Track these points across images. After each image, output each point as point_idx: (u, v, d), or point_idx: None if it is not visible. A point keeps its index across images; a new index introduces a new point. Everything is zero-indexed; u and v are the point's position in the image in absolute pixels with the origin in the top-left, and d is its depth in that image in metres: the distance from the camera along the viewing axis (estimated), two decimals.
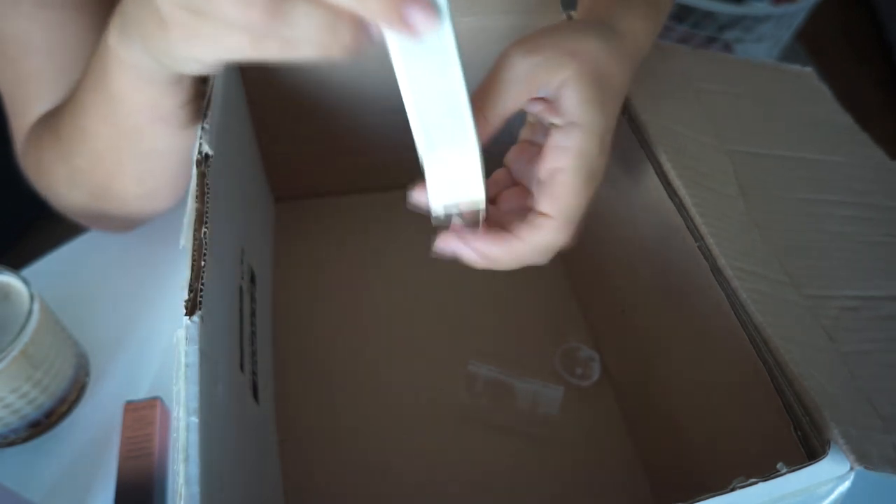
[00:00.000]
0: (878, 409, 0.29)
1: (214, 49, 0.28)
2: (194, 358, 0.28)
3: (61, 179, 0.47)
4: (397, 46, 0.27)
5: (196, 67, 0.31)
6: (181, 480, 0.25)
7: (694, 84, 0.45)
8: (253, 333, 0.42)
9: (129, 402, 0.46)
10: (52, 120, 0.46)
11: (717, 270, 0.35)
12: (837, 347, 0.32)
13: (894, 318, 0.34)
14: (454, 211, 0.32)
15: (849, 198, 0.39)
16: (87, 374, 0.50)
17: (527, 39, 0.33)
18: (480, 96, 0.33)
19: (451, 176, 0.31)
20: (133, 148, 0.42)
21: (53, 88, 0.47)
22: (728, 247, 0.35)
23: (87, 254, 0.58)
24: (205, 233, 0.33)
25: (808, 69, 0.49)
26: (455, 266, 0.58)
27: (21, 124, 0.49)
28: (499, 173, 0.37)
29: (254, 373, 0.41)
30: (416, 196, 0.33)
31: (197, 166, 0.35)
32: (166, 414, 0.47)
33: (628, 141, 0.42)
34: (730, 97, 0.45)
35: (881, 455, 0.27)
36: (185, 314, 0.30)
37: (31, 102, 0.48)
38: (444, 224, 0.33)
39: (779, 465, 0.27)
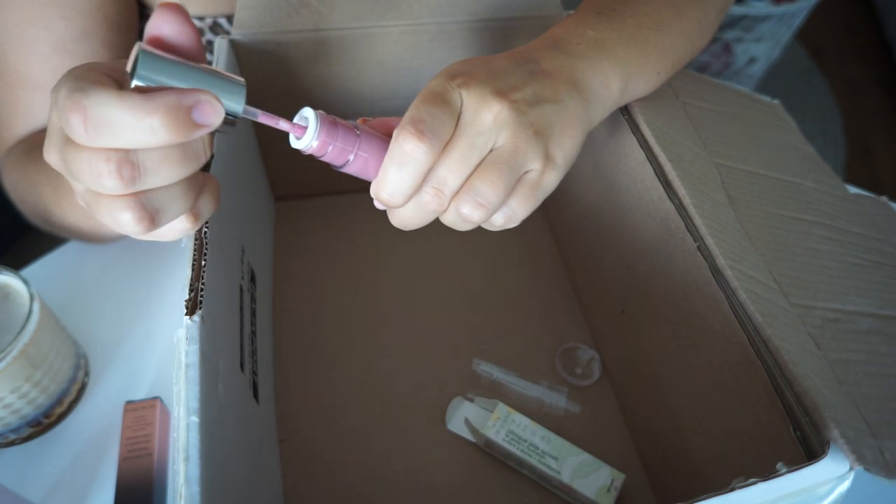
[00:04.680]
0: (864, 415, 0.30)
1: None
2: (195, 358, 0.28)
3: (28, 213, 0.53)
4: None
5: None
6: (181, 480, 0.25)
7: (681, 98, 0.46)
8: (253, 333, 0.42)
9: (129, 402, 0.46)
10: (21, 172, 0.51)
11: (716, 271, 0.35)
12: (824, 354, 0.32)
13: (872, 333, 0.34)
14: None
15: (821, 219, 0.40)
16: (86, 374, 0.50)
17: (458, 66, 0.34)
18: None
19: None
20: (91, 231, 0.50)
21: (44, 119, 0.50)
22: (726, 248, 0.35)
23: (87, 254, 0.58)
24: (205, 232, 0.33)
25: (776, 101, 0.51)
26: (455, 266, 0.58)
27: (3, 137, 0.52)
28: None
29: (254, 372, 0.41)
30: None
31: None
32: (166, 414, 0.47)
33: (628, 141, 0.42)
34: (713, 114, 0.46)
35: (873, 459, 0.27)
36: (186, 314, 0.30)
37: (18, 126, 0.51)
38: None
39: (778, 466, 0.27)
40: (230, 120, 0.29)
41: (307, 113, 0.31)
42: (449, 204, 0.32)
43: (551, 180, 0.33)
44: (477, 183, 0.31)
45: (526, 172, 0.33)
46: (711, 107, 0.47)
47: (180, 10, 0.28)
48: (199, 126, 0.26)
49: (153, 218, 0.28)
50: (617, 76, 0.38)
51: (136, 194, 0.27)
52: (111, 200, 0.27)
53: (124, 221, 0.27)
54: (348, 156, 0.32)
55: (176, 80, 0.27)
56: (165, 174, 0.27)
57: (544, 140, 0.32)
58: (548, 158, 0.33)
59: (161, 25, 0.28)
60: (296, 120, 0.32)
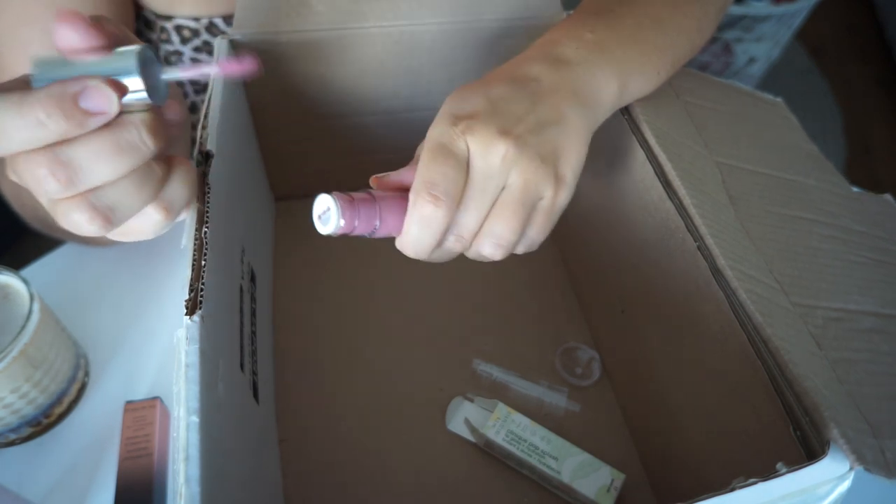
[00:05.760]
0: (865, 415, 0.30)
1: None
2: (195, 358, 0.28)
3: (28, 217, 0.53)
4: None
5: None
6: (181, 480, 0.25)
7: (682, 97, 0.46)
8: (253, 333, 0.42)
9: (129, 402, 0.46)
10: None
11: (716, 271, 0.35)
12: (825, 354, 0.32)
13: (874, 332, 0.34)
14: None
15: (823, 218, 0.41)
16: (86, 374, 0.50)
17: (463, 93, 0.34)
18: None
19: None
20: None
21: None
22: (726, 248, 0.35)
23: (86, 254, 0.58)
24: (205, 232, 0.33)
25: (779, 99, 0.51)
26: (455, 266, 0.58)
27: None
28: None
29: (254, 372, 0.41)
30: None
31: (198, 166, 0.35)
32: (166, 414, 0.47)
33: (628, 141, 0.42)
34: (714, 113, 0.46)
35: (873, 459, 0.27)
36: (186, 314, 0.29)
37: None
38: None
39: (778, 466, 0.27)
40: (150, 88, 0.27)
41: (326, 201, 0.32)
42: (471, 243, 0.34)
43: (563, 200, 0.35)
44: (494, 226, 0.33)
45: (539, 200, 0.34)
46: (713, 105, 0.47)
47: (74, 17, 0.27)
48: (91, 113, 0.25)
49: (107, 216, 0.27)
50: (616, 78, 0.38)
51: (83, 195, 0.27)
52: (62, 203, 0.27)
53: (79, 222, 0.27)
54: (373, 225, 0.33)
55: (73, 74, 0.26)
56: (104, 170, 0.26)
57: (553, 163, 0.33)
58: (558, 180, 0.34)
59: (65, 39, 0.27)
60: (315, 207, 0.33)
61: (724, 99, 0.48)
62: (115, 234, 0.30)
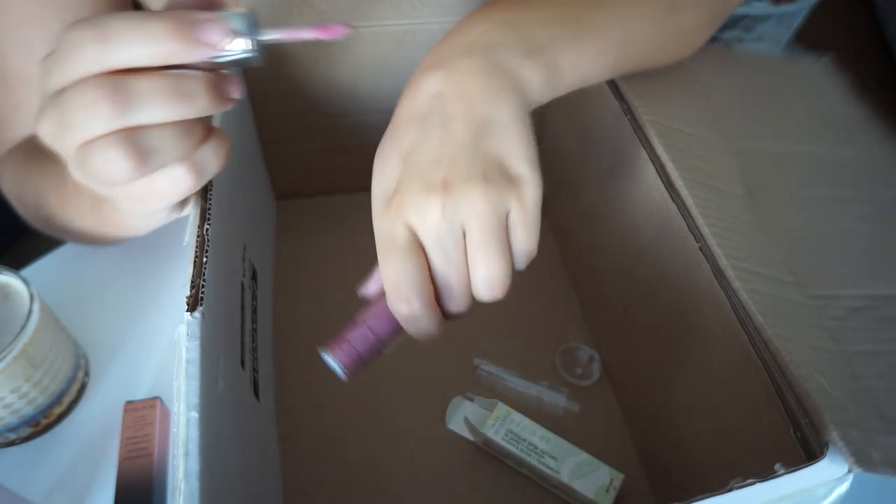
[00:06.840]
0: (881, 410, 0.29)
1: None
2: (195, 354, 0.28)
3: (29, 217, 0.52)
4: None
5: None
6: (181, 475, 0.25)
7: (702, 81, 0.44)
8: (254, 330, 0.42)
9: (129, 402, 0.46)
10: (23, 176, 0.49)
11: (718, 271, 0.35)
12: (842, 348, 0.31)
13: None
14: None
15: (861, 193, 0.38)
16: (86, 374, 0.50)
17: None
18: None
19: None
20: (97, 234, 0.45)
21: None
22: (730, 247, 0.35)
23: (87, 253, 0.58)
24: (207, 229, 0.33)
25: (824, 58, 0.48)
26: None
27: (3, 139, 0.51)
28: None
29: (254, 370, 0.41)
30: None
31: None
32: (166, 414, 0.47)
33: (630, 141, 0.42)
34: (740, 93, 0.44)
35: (883, 457, 0.27)
36: (187, 310, 0.30)
37: (18, 127, 0.51)
38: None
39: (776, 466, 0.27)
40: (248, 47, 0.28)
41: (327, 358, 0.34)
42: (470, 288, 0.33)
43: (533, 195, 0.32)
44: (478, 272, 0.32)
45: (508, 215, 0.31)
46: (742, 84, 0.44)
47: None
48: (202, 42, 0.26)
49: (143, 156, 0.27)
50: (536, 55, 0.34)
51: (126, 130, 0.27)
52: (102, 141, 0.27)
53: (114, 159, 0.27)
54: (378, 345, 0.34)
55: None
56: (157, 108, 0.27)
57: (499, 171, 0.31)
58: (515, 182, 0.31)
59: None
60: (328, 363, 0.34)
61: (754, 75, 0.46)
62: (139, 197, 0.30)
